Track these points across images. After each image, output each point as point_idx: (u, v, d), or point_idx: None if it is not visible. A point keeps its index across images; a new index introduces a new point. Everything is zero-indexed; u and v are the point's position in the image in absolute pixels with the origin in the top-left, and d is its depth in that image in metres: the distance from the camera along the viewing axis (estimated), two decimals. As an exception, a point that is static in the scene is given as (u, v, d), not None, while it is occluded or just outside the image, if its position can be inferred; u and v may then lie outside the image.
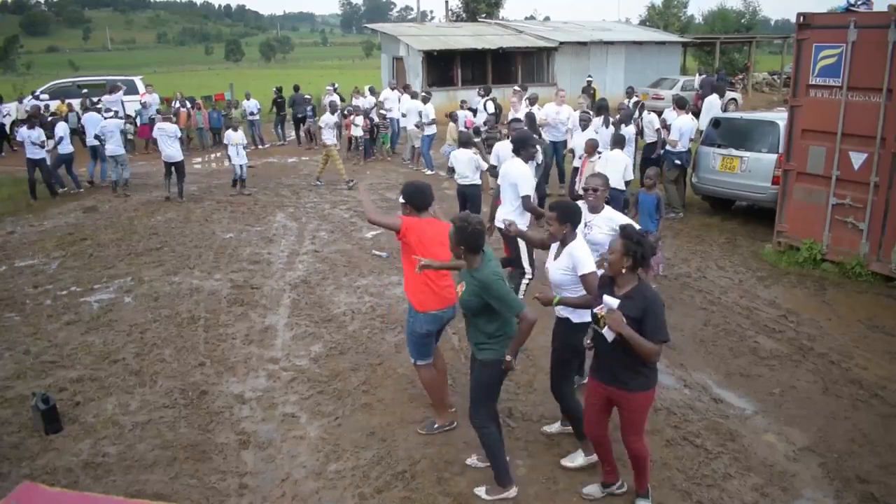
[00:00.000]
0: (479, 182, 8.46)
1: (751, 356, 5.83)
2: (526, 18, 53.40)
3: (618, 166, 7.93)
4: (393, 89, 17.23)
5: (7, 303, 7.28)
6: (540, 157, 8.31)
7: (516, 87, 13.25)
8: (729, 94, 20.13)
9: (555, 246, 4.26)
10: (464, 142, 8.64)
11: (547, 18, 59.63)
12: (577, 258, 4.04)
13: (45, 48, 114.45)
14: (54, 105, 17.31)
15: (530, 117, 10.30)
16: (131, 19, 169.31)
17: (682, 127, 10.00)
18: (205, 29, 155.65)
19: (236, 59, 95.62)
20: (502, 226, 6.56)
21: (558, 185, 11.70)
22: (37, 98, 17.54)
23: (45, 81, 23.08)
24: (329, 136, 12.80)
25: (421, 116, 13.79)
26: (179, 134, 12.30)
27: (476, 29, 27.17)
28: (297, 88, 18.60)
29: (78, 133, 15.32)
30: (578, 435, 4.33)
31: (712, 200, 10.50)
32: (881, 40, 6.86)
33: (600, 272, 3.90)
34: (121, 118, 13.83)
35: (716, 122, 10.19)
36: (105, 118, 12.39)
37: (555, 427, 4.70)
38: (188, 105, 17.65)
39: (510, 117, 11.39)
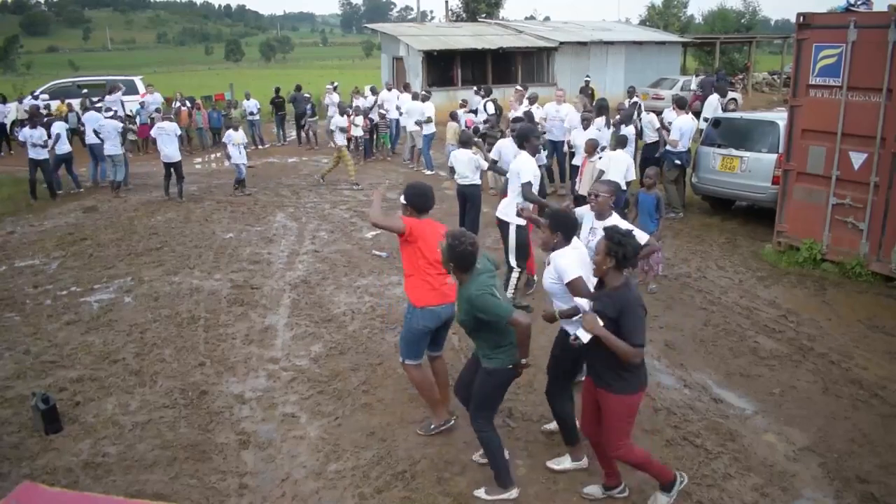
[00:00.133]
0: (479, 182, 8.46)
1: (751, 356, 5.83)
2: (526, 18, 53.41)
3: (620, 166, 7.93)
4: (390, 90, 17.23)
5: (7, 303, 7.28)
6: (543, 157, 8.33)
7: (518, 87, 13.26)
8: (729, 94, 20.14)
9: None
10: (464, 142, 8.63)
11: (547, 18, 59.68)
12: (560, 267, 4.04)
13: (45, 48, 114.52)
14: (54, 105, 17.28)
15: (529, 115, 10.29)
16: (131, 19, 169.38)
17: (683, 127, 9.98)
18: (205, 29, 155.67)
19: (236, 59, 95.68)
20: (502, 217, 6.62)
21: (559, 185, 11.71)
22: (36, 98, 17.51)
23: (45, 81, 23.05)
24: (341, 138, 12.88)
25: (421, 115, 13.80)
26: (179, 132, 12.32)
27: (476, 29, 27.17)
28: (298, 88, 18.60)
29: (78, 133, 15.32)
30: (566, 440, 4.35)
31: (712, 200, 10.49)
32: (881, 40, 6.85)
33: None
34: (120, 118, 13.81)
35: (716, 122, 10.19)
36: (105, 118, 12.39)
37: (554, 425, 4.69)
38: (188, 105, 17.67)
39: (511, 117, 11.39)
